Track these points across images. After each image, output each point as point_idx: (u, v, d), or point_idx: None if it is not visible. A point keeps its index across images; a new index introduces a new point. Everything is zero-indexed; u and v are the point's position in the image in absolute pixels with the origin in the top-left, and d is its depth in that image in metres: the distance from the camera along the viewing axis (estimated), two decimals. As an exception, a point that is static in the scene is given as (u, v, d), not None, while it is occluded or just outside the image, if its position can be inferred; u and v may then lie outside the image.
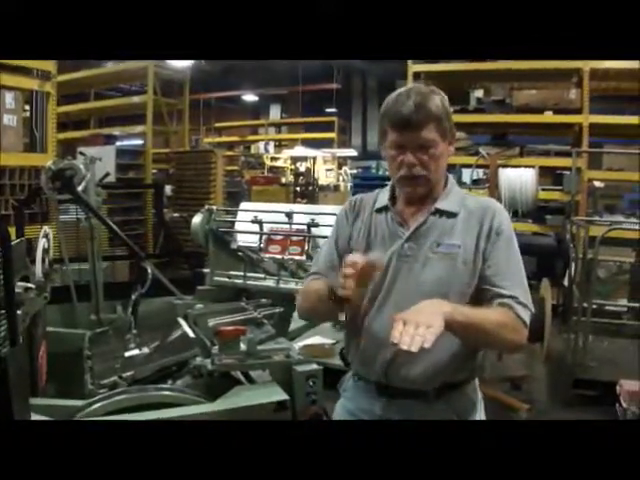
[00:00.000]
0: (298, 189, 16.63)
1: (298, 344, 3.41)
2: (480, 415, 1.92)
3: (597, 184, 8.86)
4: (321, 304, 1.82)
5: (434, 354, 1.74)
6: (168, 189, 11.49)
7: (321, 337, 5.47)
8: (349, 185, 17.42)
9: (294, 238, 3.68)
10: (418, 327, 1.45)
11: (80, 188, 3.34)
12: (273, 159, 20.70)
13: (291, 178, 18.22)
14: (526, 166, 7.50)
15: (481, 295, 1.78)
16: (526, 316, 1.73)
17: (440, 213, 1.84)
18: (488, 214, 1.82)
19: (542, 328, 4.40)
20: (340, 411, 2.05)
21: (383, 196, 1.95)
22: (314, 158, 18.43)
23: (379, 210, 1.93)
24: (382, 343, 1.78)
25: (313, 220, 3.50)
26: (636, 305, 6.27)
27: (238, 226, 3.91)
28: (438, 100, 1.78)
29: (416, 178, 1.80)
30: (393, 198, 1.92)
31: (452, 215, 1.83)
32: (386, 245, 1.86)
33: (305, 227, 3.56)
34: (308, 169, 18.01)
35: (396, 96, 1.80)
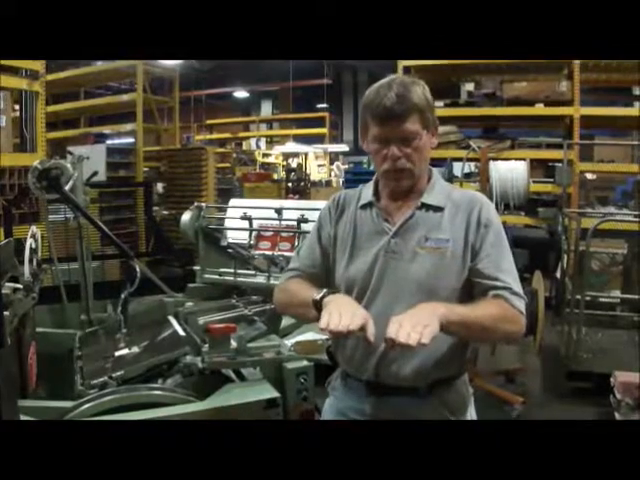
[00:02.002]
0: (290, 185, 16.65)
1: (290, 341, 3.39)
2: (471, 410, 1.91)
3: (589, 176, 8.87)
4: (300, 309, 1.86)
5: (425, 350, 1.73)
6: (160, 187, 11.47)
7: (314, 333, 5.44)
8: (341, 180, 17.46)
9: (284, 234, 3.66)
10: (415, 327, 1.45)
11: (67, 187, 3.32)
12: (265, 155, 20.71)
13: (283, 174, 18.24)
14: (517, 159, 7.50)
15: (474, 288, 1.77)
16: (521, 305, 1.73)
17: (426, 207, 1.82)
18: (475, 207, 1.80)
19: (535, 320, 4.40)
20: (329, 411, 2.01)
21: (367, 192, 1.92)
22: (306, 154, 18.49)
23: (364, 206, 1.90)
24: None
25: (303, 216, 3.48)
26: (629, 297, 6.28)
27: (228, 223, 3.89)
28: (420, 90, 1.75)
29: (401, 171, 1.77)
30: (377, 194, 1.90)
31: (438, 209, 1.81)
32: (372, 241, 1.83)
33: (295, 223, 3.54)
34: (300, 165, 18.05)
35: (377, 88, 1.76)
